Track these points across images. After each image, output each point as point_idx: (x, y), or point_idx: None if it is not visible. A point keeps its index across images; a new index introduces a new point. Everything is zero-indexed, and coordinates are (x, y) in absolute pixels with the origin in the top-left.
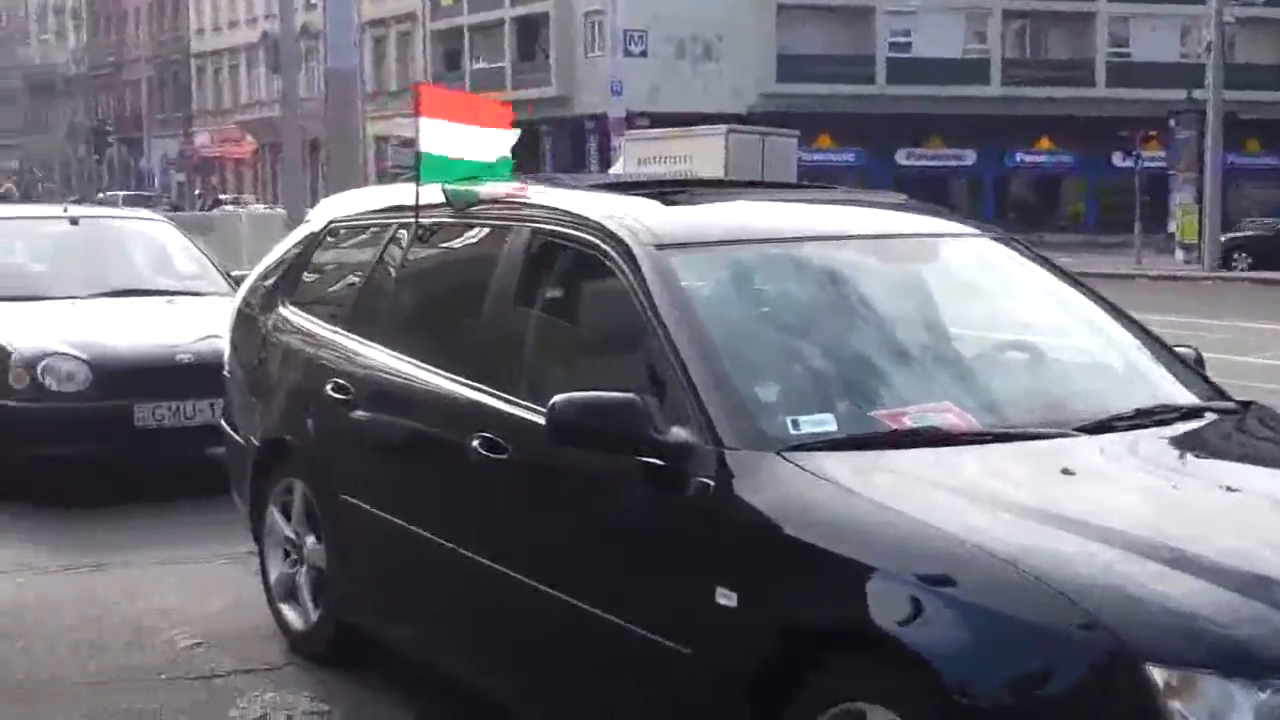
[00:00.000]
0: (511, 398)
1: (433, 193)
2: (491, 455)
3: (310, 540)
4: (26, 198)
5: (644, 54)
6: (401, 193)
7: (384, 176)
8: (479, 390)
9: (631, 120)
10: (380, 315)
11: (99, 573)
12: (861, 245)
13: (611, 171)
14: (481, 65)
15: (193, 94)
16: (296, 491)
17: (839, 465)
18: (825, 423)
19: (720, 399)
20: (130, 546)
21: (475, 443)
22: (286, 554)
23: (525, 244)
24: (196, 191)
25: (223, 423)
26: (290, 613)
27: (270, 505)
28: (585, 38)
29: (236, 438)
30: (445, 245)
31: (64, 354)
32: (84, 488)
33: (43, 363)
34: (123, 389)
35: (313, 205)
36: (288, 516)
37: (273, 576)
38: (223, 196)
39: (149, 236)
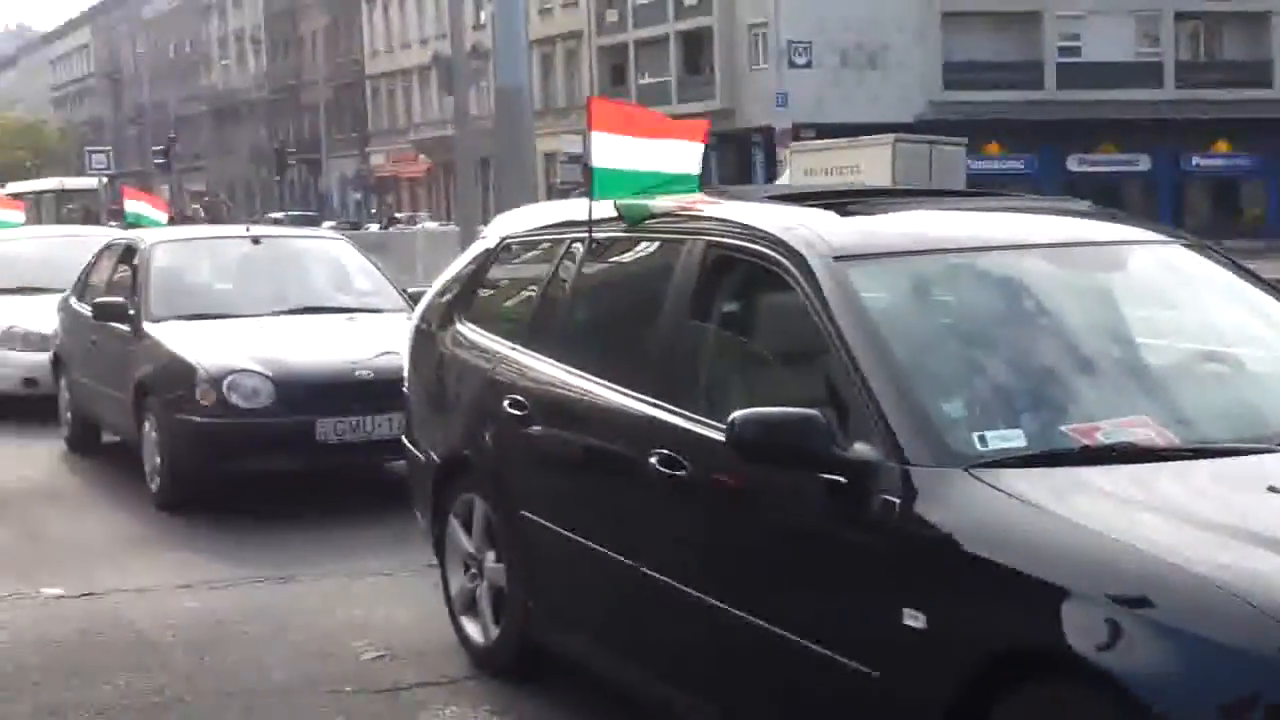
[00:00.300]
0: (689, 413)
1: (605, 207)
2: (670, 472)
3: (490, 557)
4: (215, 220)
5: (808, 65)
6: (574, 208)
7: (554, 192)
8: (656, 406)
9: (797, 132)
10: (555, 330)
11: (284, 585)
12: (1046, 254)
13: (778, 183)
14: (647, 80)
15: (368, 115)
16: (476, 508)
17: (1030, 482)
18: (1014, 438)
19: (904, 414)
20: (314, 559)
21: (653, 459)
22: (467, 568)
23: (700, 257)
24: (372, 210)
25: (403, 439)
26: (471, 627)
27: (450, 521)
28: (749, 50)
29: (417, 454)
30: (619, 260)
31: (249, 371)
32: (268, 501)
33: (228, 379)
34: (305, 404)
35: (485, 222)
36: (468, 532)
37: (453, 592)
38: (398, 215)
39: (328, 255)
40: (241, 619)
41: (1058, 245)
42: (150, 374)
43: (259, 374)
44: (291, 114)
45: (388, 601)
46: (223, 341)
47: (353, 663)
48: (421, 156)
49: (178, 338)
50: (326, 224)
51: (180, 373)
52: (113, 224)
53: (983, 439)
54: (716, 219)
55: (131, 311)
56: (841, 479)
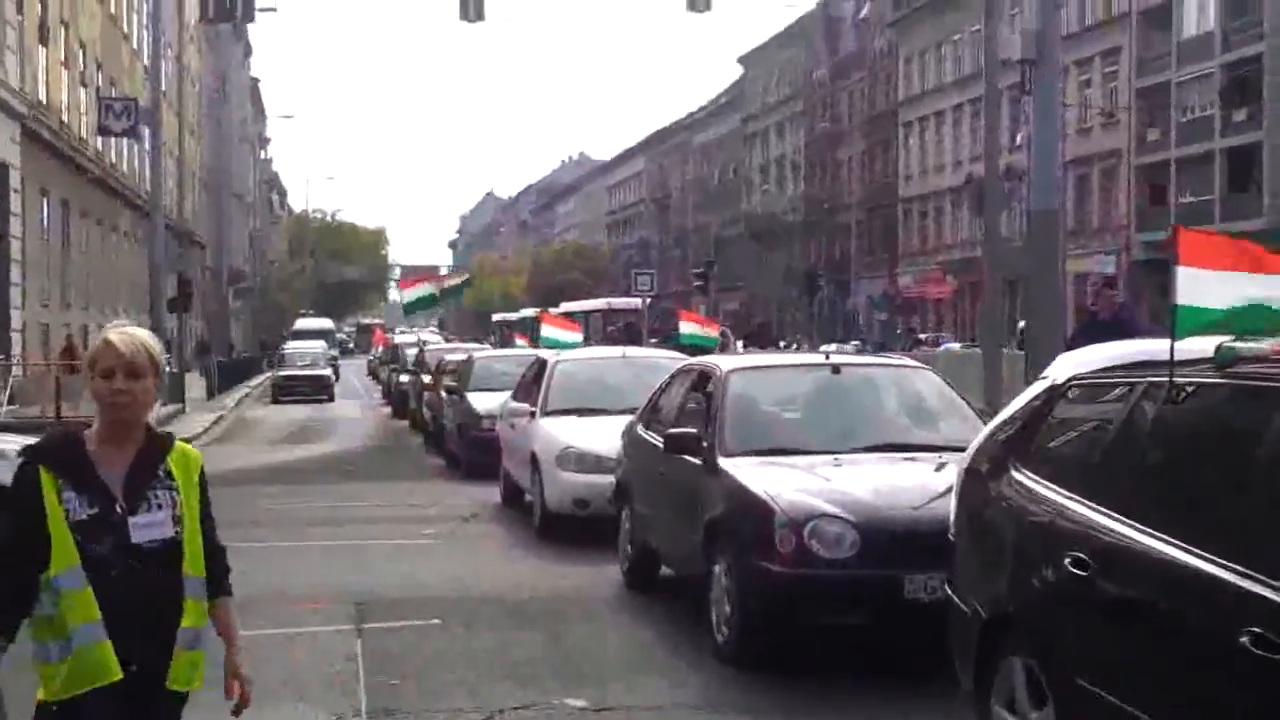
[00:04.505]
0: None
1: (1189, 348)
2: (1265, 654)
3: (1035, 715)
4: (761, 344)
5: None
6: (1151, 348)
7: (1082, 314)
8: (1249, 577)
9: None
10: (1127, 484)
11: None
12: None
13: None
14: (1188, 199)
15: (899, 236)
16: (1025, 671)
17: None
18: None
19: None
20: (839, 702)
21: (1244, 638)
22: None
23: None
24: (897, 330)
25: (947, 588)
26: None
27: (996, 683)
28: None
29: (961, 607)
30: (1205, 408)
31: (833, 516)
32: (845, 659)
33: (810, 525)
34: (893, 557)
35: (1009, 344)
36: (1012, 705)
37: None
38: (921, 335)
39: (912, 386)
40: None
41: None
42: (723, 514)
43: (843, 519)
44: (824, 236)
45: None
46: (803, 482)
47: None
48: (948, 277)
49: (754, 476)
50: (852, 344)
51: (757, 515)
52: (653, 341)
53: None
54: None
55: (705, 444)
56: None
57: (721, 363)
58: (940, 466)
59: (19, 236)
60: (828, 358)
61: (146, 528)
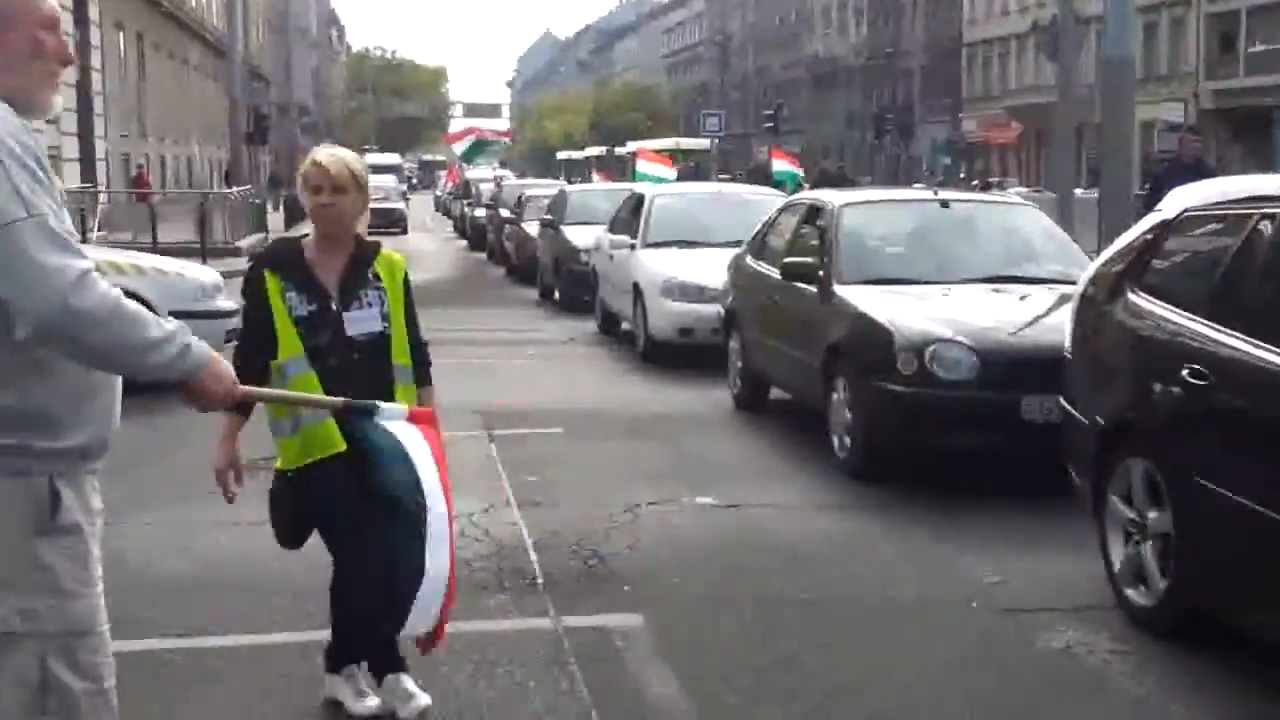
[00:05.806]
0: None
1: None
2: None
3: (1154, 514)
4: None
5: None
6: (1265, 183)
7: (1148, 162)
8: None
9: None
10: (1243, 304)
11: (915, 519)
12: None
13: None
14: (1258, 48)
15: (962, 81)
16: (1142, 471)
17: None
18: None
19: None
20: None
21: None
22: (1129, 536)
23: None
24: (961, 175)
25: (1061, 401)
26: (1132, 592)
27: (1113, 485)
28: None
29: (1078, 417)
30: None
31: (952, 341)
32: (959, 472)
33: (931, 349)
34: (1010, 380)
35: (1080, 187)
36: (1129, 502)
37: (1116, 564)
38: (990, 180)
39: (1018, 222)
40: (873, 540)
41: None
42: (844, 338)
43: (963, 344)
44: (886, 80)
45: (1007, 538)
46: (920, 309)
47: (976, 584)
48: (1013, 123)
49: (872, 302)
50: (917, 185)
51: (878, 339)
52: (722, 176)
53: None
54: None
55: (821, 273)
56: None
57: (833, 197)
58: (1024, 298)
59: (99, 69)
60: (935, 193)
61: (358, 322)
